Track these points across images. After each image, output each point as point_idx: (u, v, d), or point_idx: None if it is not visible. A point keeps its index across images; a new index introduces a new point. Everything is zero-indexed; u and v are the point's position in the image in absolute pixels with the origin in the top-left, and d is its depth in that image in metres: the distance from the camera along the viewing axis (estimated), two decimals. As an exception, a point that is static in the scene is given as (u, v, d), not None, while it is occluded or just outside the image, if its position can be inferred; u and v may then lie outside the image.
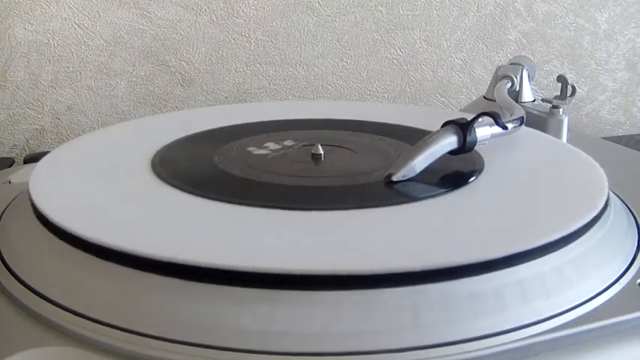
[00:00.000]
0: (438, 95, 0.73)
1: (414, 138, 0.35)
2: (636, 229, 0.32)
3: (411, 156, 0.33)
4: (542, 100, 0.48)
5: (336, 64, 0.69)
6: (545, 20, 0.75)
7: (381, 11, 0.69)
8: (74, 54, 0.62)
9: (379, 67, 0.71)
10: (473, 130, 0.34)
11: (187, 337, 0.23)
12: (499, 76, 0.51)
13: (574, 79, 0.78)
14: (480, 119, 0.35)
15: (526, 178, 0.34)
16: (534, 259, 0.26)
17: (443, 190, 0.32)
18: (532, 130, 0.42)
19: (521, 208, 0.30)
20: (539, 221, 0.29)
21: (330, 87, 0.70)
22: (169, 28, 0.63)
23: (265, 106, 0.57)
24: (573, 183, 0.33)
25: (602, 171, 0.34)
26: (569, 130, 0.47)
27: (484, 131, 0.35)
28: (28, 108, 0.62)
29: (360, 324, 0.23)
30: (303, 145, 0.39)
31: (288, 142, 0.40)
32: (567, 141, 0.46)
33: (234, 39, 0.66)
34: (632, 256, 0.29)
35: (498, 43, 0.74)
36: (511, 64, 0.52)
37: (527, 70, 0.51)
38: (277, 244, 0.27)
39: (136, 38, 0.63)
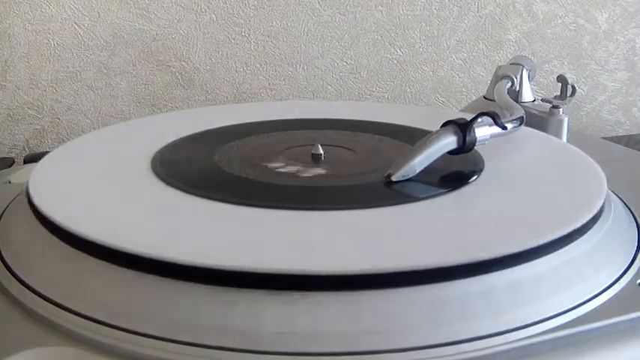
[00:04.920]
0: (438, 95, 0.73)
1: (414, 138, 0.35)
2: (636, 229, 0.32)
3: (411, 156, 0.33)
4: (542, 100, 0.48)
5: (336, 64, 0.69)
6: (545, 20, 0.75)
7: (381, 11, 0.69)
8: (74, 54, 0.62)
9: (379, 67, 0.71)
10: (472, 130, 0.34)
11: (187, 337, 0.23)
12: (499, 76, 0.51)
13: (574, 79, 0.78)
14: (479, 119, 0.35)
15: (526, 178, 0.34)
16: (534, 259, 0.26)
17: (443, 190, 0.32)
18: (532, 130, 0.42)
19: (521, 208, 0.30)
20: (539, 221, 0.29)
21: (330, 87, 0.70)
22: (169, 28, 0.63)
23: (265, 106, 0.57)
24: (573, 183, 0.33)
25: (601, 171, 0.34)
26: (569, 130, 0.47)
27: (483, 131, 0.35)
28: (28, 108, 0.62)
29: (359, 324, 0.23)
30: (303, 145, 0.39)
31: (288, 142, 0.40)
32: (567, 141, 0.46)
33: (234, 39, 0.66)
34: (632, 256, 0.29)
35: (498, 43, 0.74)
36: (511, 64, 0.52)
37: (527, 70, 0.51)
38: (277, 245, 0.27)
39: (136, 38, 0.63)
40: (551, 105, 0.47)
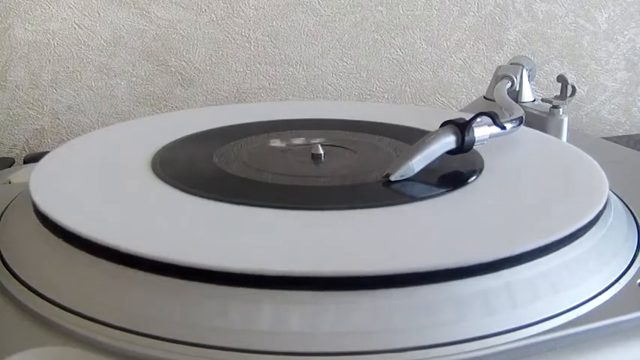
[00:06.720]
0: (438, 95, 0.73)
1: (414, 138, 0.35)
2: (636, 229, 0.32)
3: (409, 156, 0.33)
4: (542, 100, 0.48)
5: (336, 64, 0.69)
6: (545, 20, 0.75)
7: (381, 11, 0.69)
8: (74, 54, 0.62)
9: (379, 67, 0.71)
10: (471, 130, 0.34)
11: (187, 337, 0.23)
12: (499, 76, 0.51)
13: (574, 79, 0.78)
14: (478, 119, 0.35)
15: (526, 178, 0.34)
16: (535, 259, 0.26)
17: (442, 190, 0.32)
18: (532, 130, 0.42)
19: (520, 208, 0.30)
20: (539, 221, 0.29)
21: (330, 87, 0.70)
22: (169, 28, 0.63)
23: (265, 106, 0.57)
24: (573, 183, 0.33)
25: (602, 171, 0.34)
26: (569, 130, 0.47)
27: (482, 131, 0.35)
28: (28, 108, 0.62)
29: (358, 324, 0.23)
30: (303, 145, 0.39)
31: (288, 142, 0.40)
32: (567, 141, 0.46)
33: (234, 39, 0.66)
34: (632, 256, 0.29)
35: (498, 43, 0.74)
36: (511, 64, 0.52)
37: (527, 70, 0.51)
38: (277, 245, 0.27)
39: (136, 38, 0.63)
40: (551, 105, 0.47)
